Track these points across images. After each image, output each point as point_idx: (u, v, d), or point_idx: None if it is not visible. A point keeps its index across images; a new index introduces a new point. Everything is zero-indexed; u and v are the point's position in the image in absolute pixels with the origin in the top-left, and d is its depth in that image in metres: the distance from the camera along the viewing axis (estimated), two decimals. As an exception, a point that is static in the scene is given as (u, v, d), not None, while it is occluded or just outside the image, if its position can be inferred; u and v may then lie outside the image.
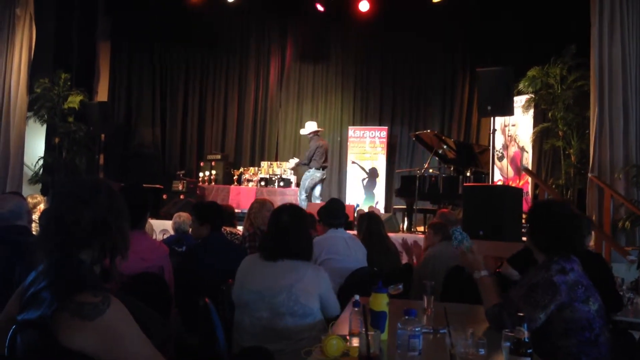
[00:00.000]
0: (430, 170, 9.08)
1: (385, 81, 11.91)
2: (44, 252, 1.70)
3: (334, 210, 4.54)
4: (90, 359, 1.56)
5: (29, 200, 5.69)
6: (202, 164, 11.57)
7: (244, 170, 11.15)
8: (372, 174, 11.26)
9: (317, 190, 9.48)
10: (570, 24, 8.65)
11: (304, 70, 12.38)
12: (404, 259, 5.40)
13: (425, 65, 11.65)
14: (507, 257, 3.76)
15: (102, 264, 1.77)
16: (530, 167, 9.19)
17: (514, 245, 4.88)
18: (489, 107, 7.36)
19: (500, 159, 9.95)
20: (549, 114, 8.59)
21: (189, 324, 3.49)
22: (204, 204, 4.50)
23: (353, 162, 11.42)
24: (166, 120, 12.72)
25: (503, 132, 9.98)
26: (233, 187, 10.73)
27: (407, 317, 2.13)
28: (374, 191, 11.19)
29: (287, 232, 2.95)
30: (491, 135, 7.66)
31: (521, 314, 2.06)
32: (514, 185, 9.37)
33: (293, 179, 10.95)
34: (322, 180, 9.52)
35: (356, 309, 2.31)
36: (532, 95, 8.89)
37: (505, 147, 9.99)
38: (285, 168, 10.82)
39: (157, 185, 10.38)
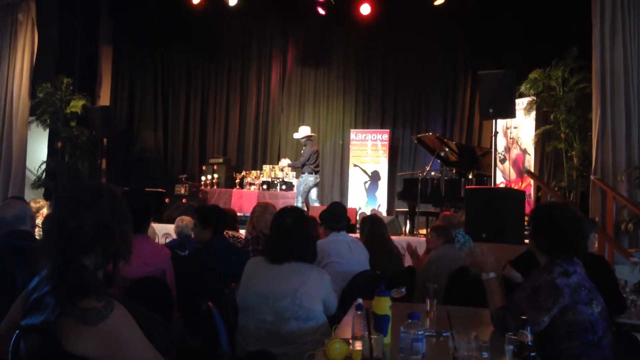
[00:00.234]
0: (433, 173, 9.08)
1: (387, 84, 11.92)
2: (47, 257, 1.70)
3: (336, 214, 4.54)
4: (93, 364, 1.56)
5: (32, 204, 5.68)
6: (204, 167, 11.57)
7: (246, 173, 11.14)
8: (374, 177, 11.26)
9: (314, 194, 9.56)
10: (571, 26, 8.64)
11: (305, 74, 12.39)
12: (407, 262, 5.39)
13: (427, 68, 11.65)
14: (509, 260, 3.76)
15: (105, 269, 1.77)
16: (532, 170, 9.18)
17: (516, 248, 4.88)
18: (491, 110, 7.36)
19: (503, 161, 9.94)
20: (551, 117, 8.58)
21: (191, 327, 3.49)
22: (206, 208, 4.50)
23: (355, 165, 11.42)
24: (168, 124, 12.74)
25: (505, 134, 9.98)
26: (235, 191, 10.73)
27: (410, 320, 2.13)
28: (376, 194, 11.19)
29: (291, 234, 2.94)
30: (493, 137, 7.66)
31: (524, 317, 2.05)
32: (516, 187, 9.36)
33: (295, 182, 10.95)
34: (316, 184, 9.58)
35: (359, 312, 2.31)
36: (534, 98, 8.88)
37: (508, 149, 9.98)
38: (287, 172, 10.84)
39: (160, 189, 10.38)
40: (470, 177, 8.58)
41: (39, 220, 5.37)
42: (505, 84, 7.33)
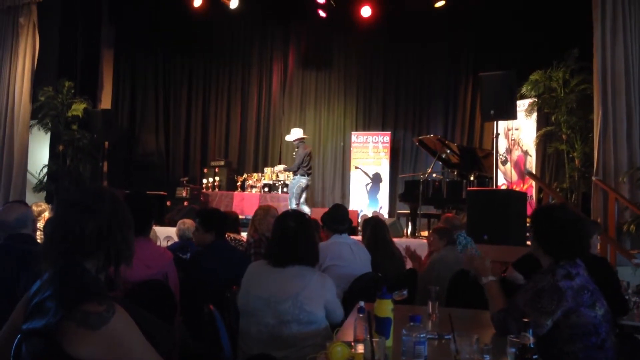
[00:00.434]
0: (434, 175, 9.08)
1: (388, 86, 11.93)
2: (49, 260, 1.70)
3: (338, 216, 4.53)
4: (95, 367, 1.56)
5: (34, 208, 5.69)
6: (205, 170, 11.59)
7: (248, 176, 11.15)
8: (376, 179, 11.26)
9: (303, 197, 9.61)
10: (572, 27, 8.64)
11: (306, 76, 12.41)
12: (409, 265, 5.38)
13: (428, 70, 11.66)
14: (512, 261, 3.75)
15: (107, 272, 1.77)
16: (534, 171, 9.17)
17: (518, 249, 4.87)
18: (492, 112, 7.36)
19: (504, 163, 9.94)
20: (552, 118, 8.58)
21: (193, 331, 3.48)
22: (207, 211, 4.49)
23: (356, 168, 11.42)
24: (170, 127, 12.77)
25: (506, 136, 9.97)
26: (237, 194, 10.74)
27: (412, 323, 2.13)
28: (378, 196, 11.20)
29: (294, 237, 2.94)
30: (494, 139, 7.66)
31: (526, 320, 2.05)
32: (517, 189, 9.35)
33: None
34: (307, 187, 9.63)
35: (361, 315, 2.31)
36: (535, 99, 8.88)
37: (509, 151, 9.98)
38: (288, 174, 10.85)
39: (161, 192, 10.40)
40: (471, 178, 8.58)
41: (40, 224, 5.37)
42: (506, 86, 7.33)
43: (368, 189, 11.29)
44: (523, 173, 9.62)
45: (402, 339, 2.11)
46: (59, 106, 10.33)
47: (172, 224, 8.27)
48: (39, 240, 3.65)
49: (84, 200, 1.74)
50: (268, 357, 2.56)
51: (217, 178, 11.13)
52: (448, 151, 9.08)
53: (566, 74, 8.43)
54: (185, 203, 10.30)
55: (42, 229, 5.00)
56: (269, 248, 3.21)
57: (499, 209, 6.04)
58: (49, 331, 1.54)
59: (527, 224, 6.36)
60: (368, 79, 12.08)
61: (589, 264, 2.63)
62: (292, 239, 2.94)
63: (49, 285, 1.65)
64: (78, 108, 10.36)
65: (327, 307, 2.91)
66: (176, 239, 6.14)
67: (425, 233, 8.59)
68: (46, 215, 5.95)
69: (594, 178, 7.12)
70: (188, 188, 10.75)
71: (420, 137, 9.67)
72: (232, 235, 5.24)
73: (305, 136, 9.97)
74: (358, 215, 9.83)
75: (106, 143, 11.23)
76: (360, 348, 2.11)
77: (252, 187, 10.89)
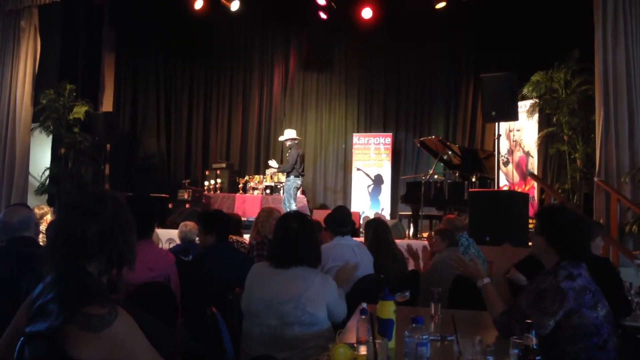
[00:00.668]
0: (436, 176, 9.08)
1: (389, 87, 11.93)
2: (51, 263, 1.71)
3: (341, 218, 4.53)
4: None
5: (36, 211, 5.70)
6: (207, 172, 11.59)
7: (249, 178, 11.15)
8: (377, 180, 11.26)
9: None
10: (573, 28, 8.64)
11: (307, 78, 12.42)
12: (411, 266, 5.38)
13: (429, 71, 11.66)
14: (514, 263, 3.75)
15: (109, 275, 1.77)
16: (535, 172, 9.16)
17: (520, 251, 4.87)
18: (494, 113, 7.35)
19: (506, 164, 9.94)
20: (554, 119, 8.58)
21: (195, 333, 3.49)
22: (209, 214, 4.50)
23: (358, 169, 11.42)
24: (171, 129, 12.78)
25: (508, 137, 9.97)
26: (238, 196, 10.74)
27: (414, 324, 2.13)
28: (380, 198, 11.19)
29: (297, 239, 2.94)
30: (496, 140, 7.66)
31: (529, 321, 2.05)
32: (519, 190, 9.34)
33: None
34: (300, 187, 9.71)
35: (363, 316, 2.31)
36: (537, 100, 8.87)
37: (511, 152, 9.97)
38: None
39: (163, 195, 10.41)
40: (473, 180, 8.57)
41: (42, 227, 5.39)
42: (507, 87, 7.33)
43: (370, 191, 11.29)
44: (525, 174, 9.62)
45: (405, 340, 2.11)
46: (61, 109, 10.35)
47: (174, 226, 8.29)
48: (41, 243, 3.65)
49: (86, 203, 1.75)
50: (270, 359, 2.56)
51: (218, 180, 11.13)
52: (449, 152, 9.08)
53: (567, 75, 8.43)
54: (187, 205, 10.30)
55: (44, 231, 5.02)
56: (271, 249, 3.21)
57: (501, 210, 6.03)
58: (51, 334, 1.54)
59: (530, 225, 6.36)
60: (369, 80, 12.08)
61: (592, 265, 2.63)
62: (294, 240, 2.94)
63: (52, 288, 1.65)
64: (79, 111, 10.37)
65: (329, 308, 2.91)
66: (178, 241, 6.15)
67: (427, 234, 8.58)
68: (48, 218, 5.97)
69: (596, 179, 7.11)
70: (190, 190, 10.75)
71: (421, 139, 9.67)
72: (234, 237, 5.23)
73: (298, 137, 10.00)
74: (360, 217, 9.84)
75: (108, 146, 11.24)
76: (362, 350, 2.11)
77: (253, 189, 10.89)
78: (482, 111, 8.26)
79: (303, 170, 9.61)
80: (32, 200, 9.61)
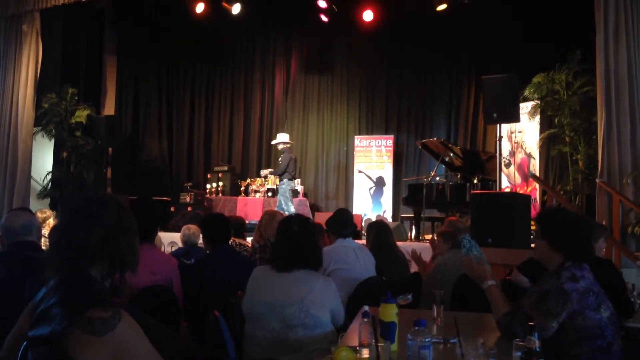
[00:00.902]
0: (437, 178, 9.07)
1: (391, 90, 11.93)
2: (54, 268, 1.71)
3: (343, 220, 4.53)
4: (101, 374, 1.56)
5: (38, 215, 5.71)
6: (209, 175, 11.61)
7: (251, 181, 11.17)
8: (379, 182, 11.26)
9: None
10: (574, 30, 8.63)
11: (309, 81, 12.43)
12: (413, 268, 5.38)
13: (431, 73, 11.66)
14: (516, 265, 3.75)
15: (112, 279, 1.77)
16: (537, 174, 9.16)
17: (523, 253, 4.86)
18: (495, 114, 7.34)
19: (508, 165, 9.93)
20: (556, 120, 8.57)
21: (198, 336, 3.49)
22: (210, 221, 4.46)
23: (360, 172, 11.42)
24: (173, 132, 12.81)
25: (509, 138, 9.96)
26: (240, 199, 10.75)
27: (416, 327, 2.13)
28: (381, 200, 11.19)
29: (298, 242, 2.94)
30: (498, 142, 7.64)
31: (532, 323, 2.04)
32: (521, 192, 9.34)
33: (300, 188, 10.97)
34: (294, 189, 9.83)
35: (365, 319, 2.31)
36: (538, 102, 8.87)
37: (512, 153, 9.97)
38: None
39: (165, 198, 10.42)
40: (475, 181, 8.57)
41: (45, 231, 5.39)
42: (508, 88, 7.32)
43: (371, 193, 11.28)
44: (527, 176, 9.61)
45: (407, 343, 2.10)
46: (63, 113, 10.38)
47: (176, 229, 8.29)
48: (44, 247, 3.66)
49: (88, 207, 1.75)
50: (273, 362, 2.57)
51: (220, 183, 11.14)
52: (451, 154, 9.08)
53: (569, 77, 8.42)
54: (189, 208, 10.32)
55: (47, 235, 5.02)
56: (273, 253, 3.21)
57: (503, 212, 6.02)
58: (54, 338, 1.54)
59: (532, 227, 6.35)
60: (371, 82, 12.09)
61: (594, 266, 2.63)
62: (296, 243, 2.94)
63: (55, 292, 1.66)
64: (81, 114, 10.40)
65: (332, 311, 2.92)
66: (180, 245, 6.15)
67: (429, 237, 8.58)
68: (51, 222, 5.97)
69: (598, 180, 7.10)
70: (192, 193, 10.77)
71: (423, 141, 9.66)
72: (237, 240, 5.24)
73: (290, 142, 10.09)
74: (362, 219, 9.83)
75: (110, 149, 11.26)
76: (365, 353, 2.12)
77: (255, 192, 10.90)
78: (484, 113, 8.27)
79: (296, 174, 9.70)
80: (34, 204, 9.63)
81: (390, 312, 2.36)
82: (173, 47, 12.36)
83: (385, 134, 11.61)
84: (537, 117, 9.27)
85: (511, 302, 2.68)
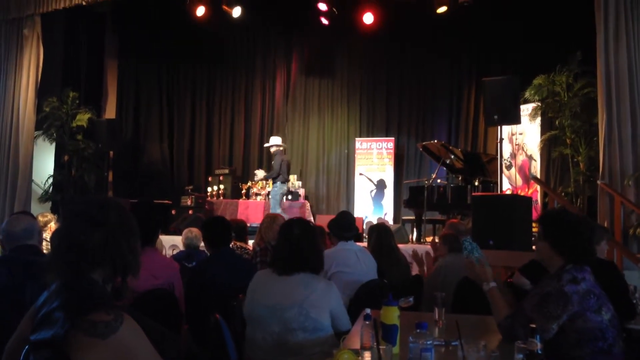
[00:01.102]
0: (439, 181, 9.07)
1: (391, 92, 11.94)
2: (56, 271, 1.71)
3: (345, 223, 4.53)
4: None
5: (40, 218, 5.72)
6: (210, 178, 11.62)
7: (252, 184, 11.17)
8: (380, 185, 11.25)
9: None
10: (575, 31, 8.64)
11: (309, 84, 12.44)
12: (415, 270, 5.37)
13: (431, 75, 11.67)
14: (518, 267, 3.74)
15: (114, 282, 1.77)
16: (538, 176, 9.15)
17: (524, 255, 4.86)
18: (496, 116, 7.35)
19: (509, 167, 9.92)
20: (556, 122, 8.56)
21: (199, 339, 3.49)
22: (211, 225, 4.46)
23: (361, 174, 11.43)
24: (174, 136, 12.83)
25: (510, 140, 9.96)
26: (241, 202, 10.76)
27: (418, 330, 2.12)
28: (382, 202, 11.19)
29: (298, 244, 2.94)
30: (498, 144, 7.65)
31: (533, 326, 2.04)
32: (522, 194, 9.33)
33: (301, 192, 10.98)
34: (286, 193, 9.91)
35: (367, 322, 2.31)
36: (539, 104, 8.86)
37: (513, 155, 9.96)
38: (292, 181, 10.91)
39: (166, 201, 10.42)
40: (476, 184, 8.57)
41: (46, 234, 5.39)
42: (509, 90, 7.33)
43: (372, 196, 11.28)
44: (528, 178, 9.61)
45: (409, 346, 2.10)
46: (64, 116, 10.39)
47: (177, 232, 8.29)
48: (45, 251, 3.66)
49: (90, 211, 1.75)
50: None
51: (221, 186, 11.15)
52: (452, 156, 9.08)
53: (569, 78, 8.42)
54: (190, 211, 10.32)
55: (48, 239, 5.02)
56: (274, 256, 3.22)
57: (504, 214, 6.02)
58: (57, 342, 1.54)
59: (533, 229, 6.35)
60: (371, 85, 12.09)
61: (596, 268, 2.63)
62: (296, 246, 2.94)
63: (57, 296, 1.66)
64: (82, 118, 10.41)
65: (333, 315, 2.91)
66: (181, 248, 6.15)
67: (431, 239, 8.58)
68: (52, 225, 5.97)
69: (599, 182, 7.10)
70: (193, 196, 10.78)
71: (424, 143, 9.66)
72: (238, 243, 5.24)
73: (283, 145, 10.15)
74: (363, 221, 9.83)
75: (111, 152, 11.27)
76: (367, 355, 2.11)
77: (256, 194, 10.91)
78: (485, 115, 8.26)
79: (288, 177, 9.74)
80: (35, 208, 9.63)
81: (391, 315, 2.36)
82: (174, 51, 12.39)
83: (386, 137, 11.62)
84: (538, 119, 9.26)
85: (513, 304, 2.68)
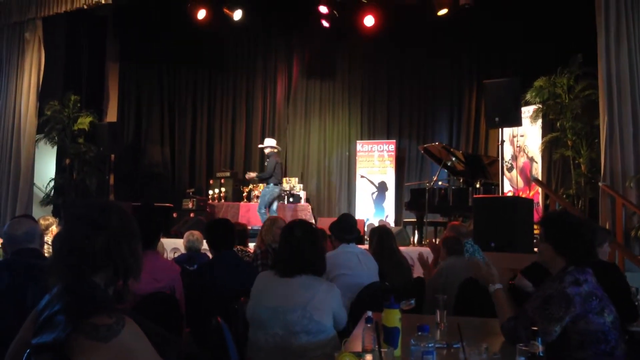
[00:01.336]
0: (440, 183, 9.06)
1: (392, 94, 11.93)
2: (57, 275, 1.71)
3: (347, 226, 4.53)
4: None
5: (41, 222, 5.71)
6: (211, 181, 11.62)
7: (253, 187, 11.17)
8: (382, 187, 11.25)
9: (275, 205, 9.77)
10: (575, 33, 8.63)
11: (310, 86, 12.44)
12: (417, 272, 5.37)
13: (432, 78, 11.66)
14: (520, 269, 3.74)
15: (115, 286, 1.77)
16: (540, 178, 9.14)
17: (525, 257, 4.86)
18: (497, 119, 7.36)
19: (510, 169, 9.92)
20: (558, 124, 8.55)
21: (201, 342, 3.48)
22: (214, 228, 4.46)
23: (362, 177, 11.42)
24: (175, 139, 12.83)
25: (512, 142, 9.96)
26: (242, 204, 10.75)
27: (420, 332, 2.12)
28: (384, 205, 11.18)
29: (300, 247, 2.94)
30: (500, 146, 7.65)
31: (535, 328, 2.04)
32: (524, 196, 9.32)
33: (302, 194, 10.98)
34: (279, 196, 9.89)
35: (369, 325, 2.30)
36: (540, 106, 8.85)
37: (514, 157, 9.96)
38: (294, 184, 10.91)
39: (167, 204, 10.43)
40: (477, 186, 8.56)
41: (48, 238, 5.39)
42: (510, 92, 7.33)
43: (374, 198, 11.28)
44: (529, 180, 9.60)
45: (411, 348, 2.10)
46: (65, 120, 10.41)
47: (178, 235, 8.30)
48: (46, 254, 3.66)
49: (91, 214, 1.75)
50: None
51: (222, 189, 11.15)
52: (453, 159, 9.07)
53: (570, 80, 8.41)
54: (192, 214, 10.32)
55: (49, 242, 5.02)
56: (276, 258, 3.21)
57: (506, 216, 6.02)
58: (58, 345, 1.54)
59: (535, 231, 6.34)
60: (372, 87, 12.09)
61: (598, 270, 2.63)
62: (297, 248, 2.94)
63: (58, 299, 1.66)
64: (84, 121, 10.43)
65: (335, 316, 2.91)
66: (183, 251, 6.15)
67: (428, 241, 8.58)
68: (54, 228, 5.97)
69: (600, 184, 7.09)
70: (194, 199, 10.78)
71: (425, 145, 9.65)
72: (239, 246, 5.24)
73: (277, 147, 10.15)
74: (364, 224, 9.83)
75: (112, 156, 11.29)
76: (368, 358, 2.11)
77: (257, 197, 10.90)
78: (486, 117, 8.26)
79: (281, 179, 9.76)
80: (37, 211, 9.64)
81: (393, 318, 2.35)
82: (175, 54, 12.40)
83: (387, 139, 11.61)
84: (539, 121, 9.25)
85: (516, 306, 2.68)
